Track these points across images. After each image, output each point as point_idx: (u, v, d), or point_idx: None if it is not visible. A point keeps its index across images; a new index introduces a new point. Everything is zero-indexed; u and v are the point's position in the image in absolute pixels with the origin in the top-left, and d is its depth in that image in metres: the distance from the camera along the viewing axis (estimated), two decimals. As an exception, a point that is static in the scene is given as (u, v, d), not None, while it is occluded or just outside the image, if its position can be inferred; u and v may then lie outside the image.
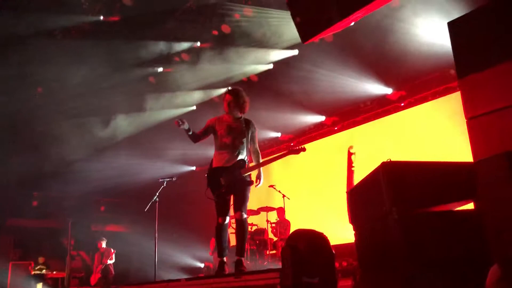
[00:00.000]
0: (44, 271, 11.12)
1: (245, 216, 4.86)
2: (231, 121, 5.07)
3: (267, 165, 5.38)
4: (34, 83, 10.26)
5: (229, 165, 4.93)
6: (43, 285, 10.90)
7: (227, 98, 5.09)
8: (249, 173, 5.00)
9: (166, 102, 11.59)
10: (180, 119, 5.01)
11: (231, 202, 5.03)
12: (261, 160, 5.16)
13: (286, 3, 4.27)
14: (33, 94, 10.40)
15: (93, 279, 10.53)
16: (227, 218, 4.99)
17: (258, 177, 5.07)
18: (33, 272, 10.92)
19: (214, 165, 5.04)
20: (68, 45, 9.60)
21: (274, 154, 5.31)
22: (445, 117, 8.62)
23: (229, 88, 5.27)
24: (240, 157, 4.96)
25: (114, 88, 10.61)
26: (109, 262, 10.55)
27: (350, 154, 5.18)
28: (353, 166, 5.34)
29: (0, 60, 9.30)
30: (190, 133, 5.06)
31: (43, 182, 11.57)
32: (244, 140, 5.02)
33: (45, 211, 12.13)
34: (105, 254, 10.56)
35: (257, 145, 5.21)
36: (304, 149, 5.15)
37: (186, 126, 4.98)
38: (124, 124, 11.81)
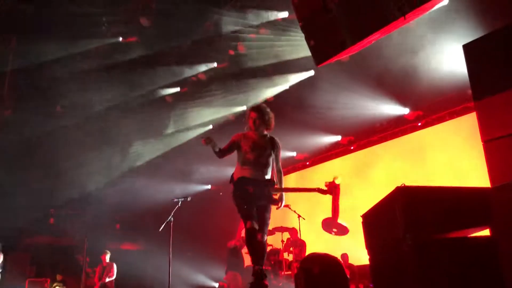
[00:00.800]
0: None
1: (265, 237, 4.79)
2: (256, 138, 5.02)
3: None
4: (52, 108, 10.52)
5: (254, 178, 4.88)
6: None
7: (252, 115, 5.04)
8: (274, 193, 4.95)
9: (183, 124, 11.77)
10: (207, 137, 4.96)
11: None
12: (283, 181, 5.08)
13: (300, 26, 4.33)
14: (51, 117, 10.62)
15: None
16: (256, 223, 4.75)
17: (281, 199, 4.97)
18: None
19: (239, 175, 4.96)
20: (86, 70, 9.86)
21: (303, 187, 5.22)
22: (462, 138, 8.53)
23: (253, 105, 5.25)
24: (266, 175, 4.94)
25: (131, 113, 10.84)
26: (108, 279, 10.50)
27: (335, 185, 5.07)
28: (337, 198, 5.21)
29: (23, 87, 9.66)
30: (217, 149, 5.00)
31: (59, 200, 11.73)
32: (270, 158, 5.01)
33: (61, 228, 12.25)
34: (107, 269, 10.53)
35: (279, 165, 5.13)
36: (330, 193, 5.05)
37: (213, 143, 4.94)
38: (142, 149, 12.06)
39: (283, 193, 4.99)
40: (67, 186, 11.44)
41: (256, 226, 4.71)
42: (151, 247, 11.01)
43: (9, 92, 10.05)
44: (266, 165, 4.95)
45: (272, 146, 5.05)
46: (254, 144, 4.97)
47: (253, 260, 4.66)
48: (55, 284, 11.19)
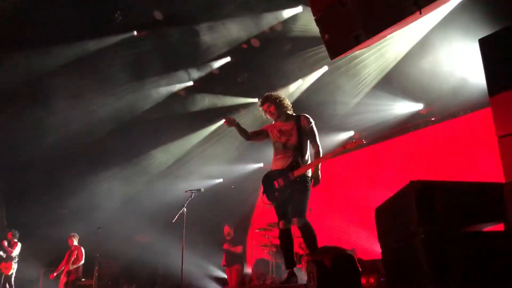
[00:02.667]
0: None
1: (303, 220, 4.61)
2: (281, 124, 4.99)
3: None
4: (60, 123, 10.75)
5: (280, 168, 4.80)
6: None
7: (264, 108, 5.05)
8: (304, 174, 4.70)
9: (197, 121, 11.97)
10: (228, 118, 4.97)
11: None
12: (320, 157, 4.79)
13: (315, 20, 4.33)
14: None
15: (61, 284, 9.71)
16: (289, 223, 4.75)
17: (313, 176, 4.73)
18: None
19: (266, 173, 4.98)
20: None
21: (327, 154, 4.92)
22: (477, 133, 8.46)
23: (260, 100, 5.19)
24: (296, 159, 4.72)
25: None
26: (73, 266, 9.68)
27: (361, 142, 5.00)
28: None
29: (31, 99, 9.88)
30: (243, 130, 5.01)
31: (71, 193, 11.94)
32: (301, 139, 4.80)
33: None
34: (73, 254, 9.80)
35: (316, 140, 4.86)
36: (361, 141, 4.75)
37: (236, 124, 4.93)
38: (158, 156, 12.33)
39: (318, 170, 4.71)
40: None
41: (285, 226, 4.72)
42: (164, 238, 11.12)
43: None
44: (296, 149, 4.75)
45: (299, 124, 4.86)
46: (280, 131, 4.93)
47: (285, 264, 4.77)
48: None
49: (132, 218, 11.94)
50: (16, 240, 10.13)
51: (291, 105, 5.08)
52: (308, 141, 4.88)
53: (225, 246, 8.65)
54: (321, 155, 4.77)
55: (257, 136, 5.14)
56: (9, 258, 9.91)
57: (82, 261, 9.75)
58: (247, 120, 10.69)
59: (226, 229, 8.83)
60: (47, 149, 10.79)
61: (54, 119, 10.62)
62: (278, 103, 4.98)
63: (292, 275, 4.63)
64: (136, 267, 11.96)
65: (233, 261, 8.56)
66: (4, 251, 9.90)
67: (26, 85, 10.11)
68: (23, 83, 10.06)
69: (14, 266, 9.96)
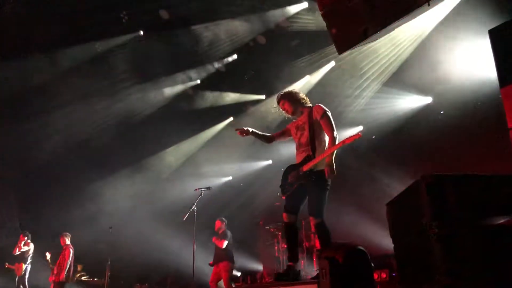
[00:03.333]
0: (84, 278, 11.38)
1: (317, 220, 4.47)
2: (297, 120, 4.91)
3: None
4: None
5: (296, 163, 4.71)
6: (84, 291, 11.18)
7: (280, 106, 4.96)
8: (315, 168, 4.51)
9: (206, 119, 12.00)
10: (241, 128, 4.90)
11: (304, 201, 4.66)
12: (334, 146, 4.47)
13: (321, 15, 4.31)
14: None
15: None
16: (293, 217, 4.65)
17: (327, 166, 4.40)
18: (78, 279, 11.20)
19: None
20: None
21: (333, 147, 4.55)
22: (488, 125, 8.37)
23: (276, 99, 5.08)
24: (311, 153, 4.55)
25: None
26: (59, 268, 9.24)
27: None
28: None
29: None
30: (260, 134, 4.97)
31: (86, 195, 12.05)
32: (308, 133, 4.63)
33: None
34: (61, 253, 9.40)
35: (329, 130, 4.55)
36: (358, 135, 4.30)
37: (250, 132, 4.88)
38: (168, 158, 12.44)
39: (332, 161, 4.40)
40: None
41: (289, 219, 4.63)
42: (175, 236, 11.17)
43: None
44: (309, 143, 4.59)
45: (311, 116, 4.69)
46: (297, 126, 4.86)
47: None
48: (78, 274, 11.40)
49: (143, 218, 11.99)
50: (29, 241, 10.15)
51: (306, 98, 4.93)
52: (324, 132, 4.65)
53: (214, 239, 8.45)
54: (333, 146, 4.42)
55: (281, 136, 5.08)
56: (21, 259, 9.94)
57: (69, 261, 9.30)
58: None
59: (217, 223, 8.61)
60: (58, 151, 10.89)
61: (63, 121, 10.72)
62: (291, 99, 4.89)
63: (289, 269, 4.54)
64: (148, 266, 12.03)
65: (219, 257, 8.28)
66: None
67: (34, 89, 10.17)
68: (31, 87, 10.12)
69: (26, 267, 9.98)
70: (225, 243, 8.26)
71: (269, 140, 5.06)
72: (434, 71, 8.61)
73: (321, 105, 4.74)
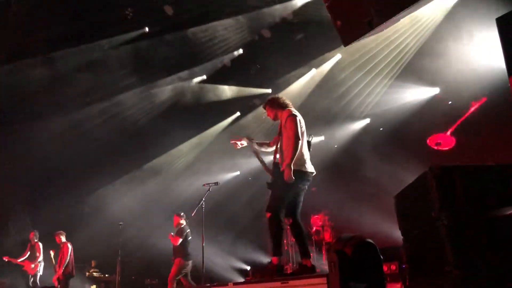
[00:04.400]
0: (96, 274, 11.46)
1: (269, 214, 4.57)
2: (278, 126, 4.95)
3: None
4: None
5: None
6: (97, 287, 11.25)
7: (266, 113, 5.02)
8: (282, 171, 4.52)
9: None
10: (235, 139, 4.97)
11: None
12: (290, 150, 4.47)
13: (326, 7, 4.27)
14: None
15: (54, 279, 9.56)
16: (268, 213, 4.66)
17: (285, 169, 4.46)
18: (87, 274, 11.30)
19: None
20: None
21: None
22: (496, 113, 8.30)
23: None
24: (275, 159, 4.72)
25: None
26: (60, 264, 9.37)
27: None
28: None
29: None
30: (258, 143, 4.96)
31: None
32: (280, 138, 4.72)
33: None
34: (60, 251, 9.50)
35: (288, 135, 4.55)
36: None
37: (245, 143, 4.95)
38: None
39: (286, 167, 4.42)
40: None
41: (267, 216, 4.66)
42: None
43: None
44: (279, 149, 4.71)
45: (281, 121, 4.74)
46: (278, 132, 4.88)
47: None
48: (91, 270, 11.49)
49: (153, 214, 12.05)
50: (36, 241, 10.21)
51: (287, 103, 4.88)
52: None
53: (170, 236, 8.36)
54: (291, 150, 4.45)
55: (275, 143, 5.01)
56: (33, 258, 10.01)
57: (68, 258, 9.41)
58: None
59: (176, 219, 8.48)
60: (67, 151, 10.96)
61: (72, 121, 10.80)
62: (271, 105, 4.92)
63: (269, 263, 4.66)
64: (158, 261, 12.10)
65: (174, 253, 8.26)
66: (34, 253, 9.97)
67: (45, 90, 10.23)
68: (41, 89, 10.17)
69: (38, 266, 10.04)
70: (179, 240, 8.23)
71: (268, 147, 5.02)
72: (441, 61, 8.55)
73: (291, 109, 4.72)
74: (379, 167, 9.85)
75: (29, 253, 10.08)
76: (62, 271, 9.27)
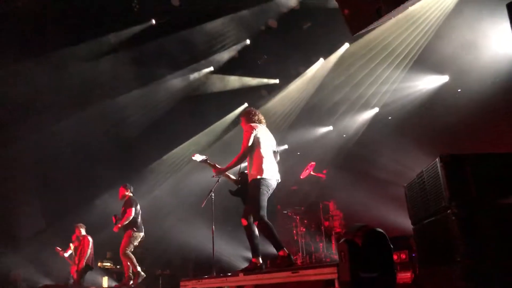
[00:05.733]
0: (108, 265, 11.56)
1: (253, 221, 4.92)
2: None
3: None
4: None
5: None
6: (108, 278, 11.35)
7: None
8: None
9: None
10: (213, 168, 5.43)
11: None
12: (233, 161, 5.22)
13: (333, -4, 4.24)
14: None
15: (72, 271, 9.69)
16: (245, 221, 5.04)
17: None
18: (101, 266, 11.40)
19: None
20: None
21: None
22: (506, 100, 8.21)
23: None
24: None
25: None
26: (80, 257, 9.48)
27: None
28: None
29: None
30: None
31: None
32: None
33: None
34: (80, 245, 9.59)
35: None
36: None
37: (199, 158, 5.49)
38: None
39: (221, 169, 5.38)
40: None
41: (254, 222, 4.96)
42: (195, 223, 11.29)
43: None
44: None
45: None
46: None
47: None
48: (105, 261, 11.58)
49: (163, 206, 12.11)
50: (84, 234, 9.85)
51: (255, 117, 5.31)
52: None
53: (113, 219, 8.01)
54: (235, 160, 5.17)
55: None
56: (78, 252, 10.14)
57: (89, 250, 9.52)
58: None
59: (121, 190, 8.23)
60: (81, 146, 11.04)
61: (86, 116, 10.91)
62: (242, 119, 5.40)
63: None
64: (169, 252, 12.21)
65: (125, 226, 7.90)
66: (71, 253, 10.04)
67: (58, 84, 10.29)
68: (54, 82, 10.22)
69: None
70: (133, 210, 7.90)
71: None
72: (450, 48, 8.47)
73: (248, 124, 5.20)
74: (389, 156, 9.81)
75: (73, 247, 9.94)
76: (82, 262, 9.34)
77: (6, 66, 9.34)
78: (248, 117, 5.33)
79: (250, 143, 5.05)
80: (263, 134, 5.17)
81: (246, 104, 12.45)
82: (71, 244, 9.90)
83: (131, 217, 7.96)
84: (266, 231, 4.80)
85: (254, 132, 5.08)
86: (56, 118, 10.70)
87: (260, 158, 5.02)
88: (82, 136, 10.99)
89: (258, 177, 4.91)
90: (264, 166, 4.97)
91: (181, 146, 13.03)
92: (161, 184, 12.93)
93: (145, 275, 7.84)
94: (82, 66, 10.16)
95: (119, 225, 7.87)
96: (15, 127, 10.57)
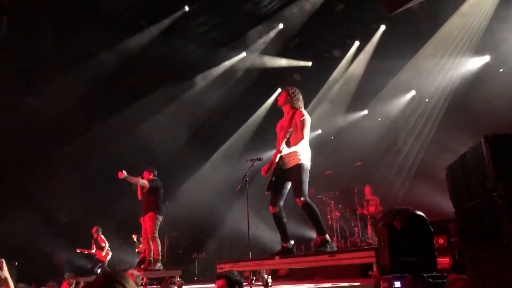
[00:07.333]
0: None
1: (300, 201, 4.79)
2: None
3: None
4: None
5: None
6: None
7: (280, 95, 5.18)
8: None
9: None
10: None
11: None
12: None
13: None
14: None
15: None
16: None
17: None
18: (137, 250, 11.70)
19: None
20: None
21: None
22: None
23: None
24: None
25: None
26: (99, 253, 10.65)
27: None
28: None
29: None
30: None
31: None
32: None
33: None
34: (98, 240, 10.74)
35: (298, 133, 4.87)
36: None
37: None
38: None
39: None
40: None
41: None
42: (230, 208, 11.41)
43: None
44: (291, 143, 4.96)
45: (294, 118, 4.98)
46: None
47: None
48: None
49: (198, 191, 12.24)
50: (99, 234, 10.82)
51: (300, 104, 5.05)
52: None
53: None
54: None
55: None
56: (98, 249, 10.64)
57: (106, 247, 10.65)
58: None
59: (145, 174, 8.02)
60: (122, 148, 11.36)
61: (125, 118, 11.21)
62: (288, 95, 5.05)
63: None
64: (205, 236, 12.41)
65: (146, 209, 7.86)
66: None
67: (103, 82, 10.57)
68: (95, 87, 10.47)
69: (108, 255, 10.74)
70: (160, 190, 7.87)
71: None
72: (490, 28, 8.16)
73: (300, 110, 4.91)
74: (429, 137, 9.61)
75: (94, 246, 10.85)
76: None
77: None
78: (299, 99, 5.05)
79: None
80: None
81: (279, 89, 12.36)
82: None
83: (148, 186, 7.80)
84: (314, 214, 4.73)
85: (309, 120, 4.87)
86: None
87: (307, 145, 4.89)
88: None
89: (305, 163, 4.79)
90: (308, 154, 4.88)
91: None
92: (197, 168, 13.10)
93: (162, 267, 7.79)
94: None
95: (127, 176, 7.46)
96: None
